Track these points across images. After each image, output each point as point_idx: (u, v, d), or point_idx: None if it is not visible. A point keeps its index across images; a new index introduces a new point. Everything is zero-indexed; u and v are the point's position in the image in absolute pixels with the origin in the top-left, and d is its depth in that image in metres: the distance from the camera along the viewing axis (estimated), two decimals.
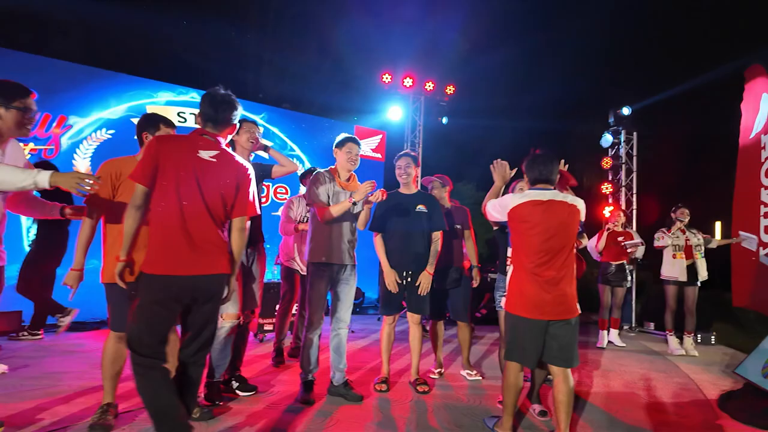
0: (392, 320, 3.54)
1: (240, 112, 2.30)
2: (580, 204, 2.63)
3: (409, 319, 3.57)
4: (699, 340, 5.77)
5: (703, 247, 5.44)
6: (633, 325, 7.14)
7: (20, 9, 7.87)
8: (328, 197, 3.18)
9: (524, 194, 2.60)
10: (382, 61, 9.70)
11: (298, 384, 3.20)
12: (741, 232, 5.46)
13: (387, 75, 9.02)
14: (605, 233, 5.70)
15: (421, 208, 3.49)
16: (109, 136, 5.88)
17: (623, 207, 7.64)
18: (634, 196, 7.74)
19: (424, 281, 3.43)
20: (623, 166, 7.80)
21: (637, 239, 5.77)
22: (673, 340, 5.40)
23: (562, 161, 2.99)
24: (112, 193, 2.49)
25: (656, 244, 5.57)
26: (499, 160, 3.00)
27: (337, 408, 3.02)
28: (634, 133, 7.84)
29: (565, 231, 2.51)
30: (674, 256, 5.42)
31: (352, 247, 3.31)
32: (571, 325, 2.49)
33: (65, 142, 5.72)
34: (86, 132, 5.89)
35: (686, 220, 5.46)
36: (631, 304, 7.23)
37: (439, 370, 3.95)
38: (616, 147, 7.88)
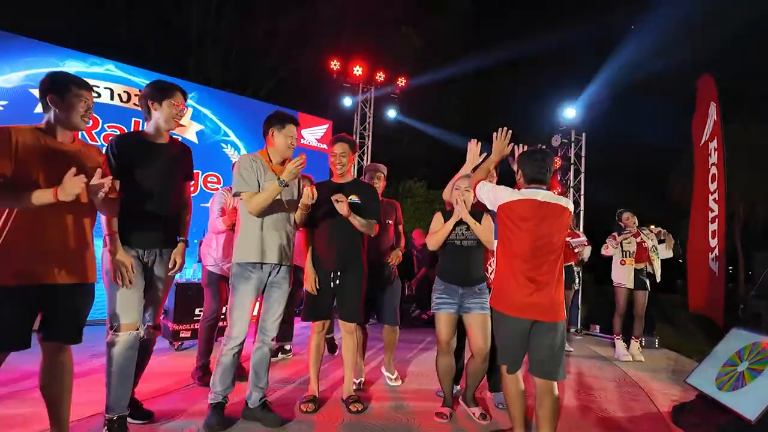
0: (321, 328, 3.04)
1: None
2: (571, 206, 2.56)
3: (341, 328, 3.08)
4: (643, 344, 5.67)
5: (657, 247, 5.28)
6: (579, 327, 7.05)
7: None
8: (259, 184, 2.63)
9: (521, 192, 2.48)
10: (330, 48, 9.16)
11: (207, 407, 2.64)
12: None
13: (335, 62, 8.54)
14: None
15: (353, 198, 2.99)
16: (0, 108, 4.98)
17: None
18: (582, 197, 7.69)
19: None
20: (572, 166, 7.73)
21: (583, 238, 5.61)
22: (620, 345, 5.26)
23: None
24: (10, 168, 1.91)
25: (603, 252, 5.42)
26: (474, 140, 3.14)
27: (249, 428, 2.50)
28: (583, 135, 7.79)
29: (557, 234, 2.43)
30: (622, 263, 5.27)
31: (289, 245, 2.75)
32: (557, 329, 2.38)
33: None
34: None
35: (635, 223, 5.32)
36: (578, 306, 7.15)
37: (359, 380, 3.49)
38: (566, 148, 7.80)
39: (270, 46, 11.09)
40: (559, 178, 7.87)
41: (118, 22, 10.84)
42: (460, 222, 2.99)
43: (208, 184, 6.35)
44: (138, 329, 2.38)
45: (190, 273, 4.90)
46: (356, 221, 2.92)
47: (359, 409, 2.95)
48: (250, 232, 2.64)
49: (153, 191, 2.48)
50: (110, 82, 5.74)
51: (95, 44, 5.81)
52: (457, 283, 2.95)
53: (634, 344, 5.23)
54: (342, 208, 2.82)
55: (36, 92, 2.13)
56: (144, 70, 6.03)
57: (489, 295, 2.97)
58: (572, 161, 7.74)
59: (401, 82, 9.12)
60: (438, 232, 2.96)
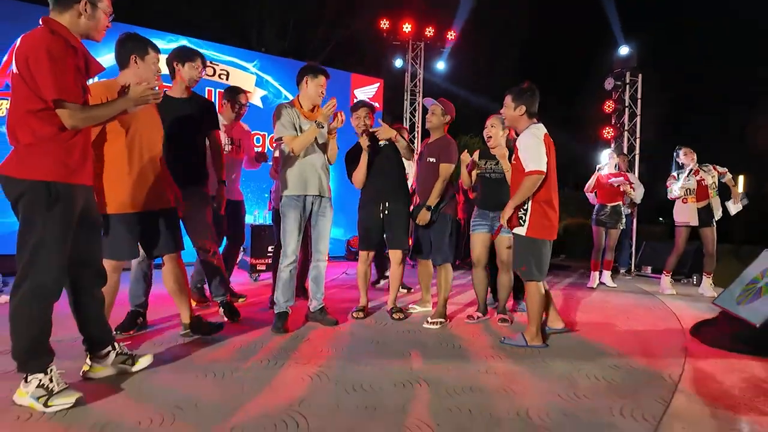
0: (367, 257, 3.62)
1: None
2: None
3: (390, 257, 3.62)
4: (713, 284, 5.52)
5: (717, 184, 5.18)
6: (631, 268, 7.12)
7: None
8: (295, 128, 3.15)
9: (541, 129, 2.90)
10: (380, 7, 9.40)
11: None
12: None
13: (385, 21, 8.80)
14: (595, 174, 5.64)
15: (385, 141, 3.49)
16: None
17: (625, 151, 7.45)
18: (638, 140, 7.55)
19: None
20: (626, 109, 7.57)
21: (621, 178, 5.58)
22: (666, 279, 5.36)
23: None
24: None
25: (669, 196, 5.38)
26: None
27: (311, 330, 3.17)
28: (639, 76, 7.55)
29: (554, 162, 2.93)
30: (684, 201, 5.22)
31: (327, 179, 3.30)
32: None
33: None
34: None
35: (693, 159, 5.21)
36: (630, 249, 7.19)
37: (441, 320, 3.47)
38: (620, 90, 7.62)
39: (324, 12, 11.53)
40: (613, 121, 7.75)
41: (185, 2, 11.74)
42: (490, 157, 3.45)
43: (274, 144, 7.07)
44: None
45: (262, 217, 5.68)
46: (401, 142, 3.43)
47: (401, 317, 3.53)
48: (294, 170, 3.16)
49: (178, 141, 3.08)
50: None
51: (168, 23, 6.60)
52: (487, 208, 3.50)
53: (707, 280, 5.22)
54: (388, 132, 3.38)
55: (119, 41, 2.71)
56: (213, 44, 6.74)
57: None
58: (627, 104, 7.56)
59: (451, 35, 9.20)
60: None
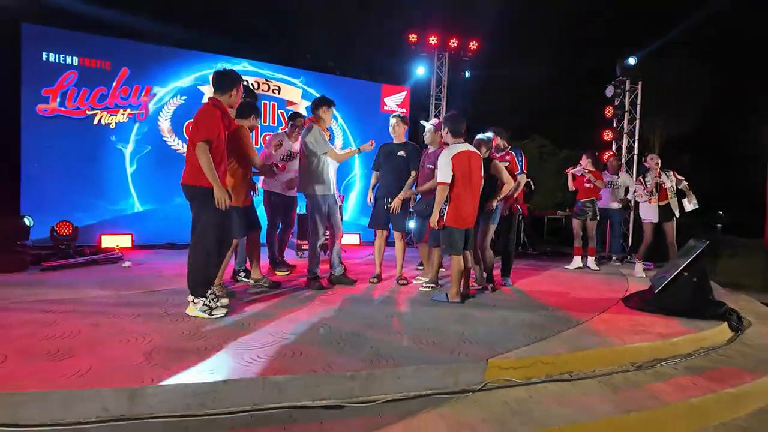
0: (381, 234, 4.93)
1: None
2: (478, 150, 4.15)
3: (394, 236, 4.94)
4: None
5: (675, 189, 6.06)
6: (621, 256, 8.04)
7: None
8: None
9: (456, 148, 4.00)
10: (407, 21, 10.58)
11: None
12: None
13: (413, 35, 9.97)
14: (569, 176, 6.70)
15: (401, 153, 4.76)
16: (182, 101, 7.49)
17: (624, 153, 8.34)
18: (636, 142, 8.41)
19: (393, 203, 4.70)
20: (626, 114, 8.43)
21: (626, 179, 6.53)
22: (639, 265, 6.35)
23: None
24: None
25: (637, 199, 6.34)
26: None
27: (336, 288, 4.55)
28: (639, 83, 8.38)
29: (479, 171, 4.06)
30: (649, 201, 6.16)
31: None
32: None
33: (151, 107, 7.39)
34: (166, 99, 7.50)
35: (657, 164, 6.13)
36: (618, 239, 8.11)
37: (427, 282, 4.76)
38: (621, 96, 8.48)
39: (362, 29, 12.85)
40: (614, 124, 8.63)
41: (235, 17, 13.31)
42: None
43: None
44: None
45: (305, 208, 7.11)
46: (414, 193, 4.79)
47: (404, 282, 4.84)
48: (327, 176, 4.46)
49: None
50: (246, 75, 7.99)
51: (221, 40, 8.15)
52: None
53: None
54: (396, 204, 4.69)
55: (203, 89, 4.08)
56: (268, 64, 8.19)
57: (498, 212, 4.63)
58: (626, 109, 8.42)
59: (473, 45, 10.26)
60: None
